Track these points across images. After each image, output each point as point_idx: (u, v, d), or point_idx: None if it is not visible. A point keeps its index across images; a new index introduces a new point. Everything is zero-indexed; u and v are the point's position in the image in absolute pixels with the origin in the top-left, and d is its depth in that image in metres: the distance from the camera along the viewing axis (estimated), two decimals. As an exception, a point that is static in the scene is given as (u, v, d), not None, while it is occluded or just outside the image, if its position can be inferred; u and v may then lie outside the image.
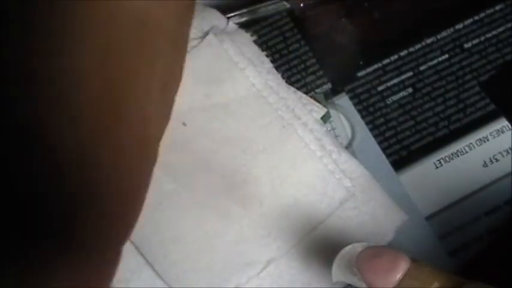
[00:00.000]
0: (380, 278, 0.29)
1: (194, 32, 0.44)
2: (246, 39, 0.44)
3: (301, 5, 0.47)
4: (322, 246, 0.38)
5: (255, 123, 0.41)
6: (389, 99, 0.44)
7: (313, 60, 0.45)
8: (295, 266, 0.38)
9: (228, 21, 0.45)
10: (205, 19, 0.45)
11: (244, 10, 0.46)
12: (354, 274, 0.31)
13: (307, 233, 0.39)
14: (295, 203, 0.39)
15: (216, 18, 0.45)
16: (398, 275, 0.29)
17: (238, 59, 0.43)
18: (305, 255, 0.38)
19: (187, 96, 0.42)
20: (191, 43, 0.43)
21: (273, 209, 0.39)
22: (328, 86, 0.45)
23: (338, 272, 0.32)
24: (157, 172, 0.40)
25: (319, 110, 0.42)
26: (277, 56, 0.45)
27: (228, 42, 0.43)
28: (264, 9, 0.47)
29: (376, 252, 0.30)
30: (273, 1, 0.47)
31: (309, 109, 0.42)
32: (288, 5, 0.47)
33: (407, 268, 0.29)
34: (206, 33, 0.44)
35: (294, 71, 0.45)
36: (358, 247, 0.31)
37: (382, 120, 0.43)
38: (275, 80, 0.43)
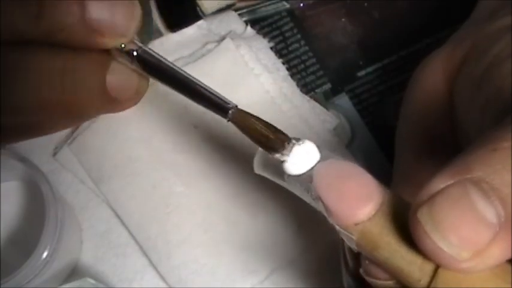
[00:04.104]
0: (346, 208, 0.23)
1: (211, 36, 0.44)
2: (263, 45, 0.44)
3: (301, 5, 0.47)
4: (327, 256, 0.38)
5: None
6: (389, 99, 0.44)
7: (313, 60, 0.45)
8: (299, 276, 0.39)
9: (246, 26, 0.45)
10: (223, 22, 0.45)
11: (244, 10, 0.46)
12: (277, 173, 0.26)
13: (312, 243, 0.39)
14: (302, 211, 0.39)
15: (235, 23, 0.45)
16: (369, 208, 0.23)
17: (254, 65, 0.43)
18: (309, 265, 0.39)
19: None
20: (207, 46, 0.43)
21: (280, 217, 0.40)
22: (328, 86, 0.45)
23: (260, 168, 0.27)
24: (167, 174, 0.41)
25: (332, 121, 0.42)
26: (277, 56, 0.45)
27: (244, 47, 0.43)
28: (264, 9, 0.47)
29: (343, 171, 0.24)
30: (273, 1, 0.47)
31: (322, 119, 0.42)
32: (288, 5, 0.47)
33: (381, 201, 0.23)
34: (223, 38, 0.44)
35: (294, 71, 0.45)
36: None
37: (382, 120, 0.43)
38: (290, 87, 0.43)
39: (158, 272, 0.40)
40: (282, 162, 0.25)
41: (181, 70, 0.27)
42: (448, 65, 0.33)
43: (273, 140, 0.25)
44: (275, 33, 0.46)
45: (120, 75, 0.27)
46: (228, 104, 0.26)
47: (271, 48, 0.45)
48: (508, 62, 0.28)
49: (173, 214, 0.40)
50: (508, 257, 0.22)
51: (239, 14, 0.46)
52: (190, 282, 0.39)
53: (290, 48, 0.46)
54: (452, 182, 0.21)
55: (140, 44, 0.26)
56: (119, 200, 0.41)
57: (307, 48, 0.46)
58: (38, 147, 0.43)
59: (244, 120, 0.26)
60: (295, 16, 0.46)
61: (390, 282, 0.24)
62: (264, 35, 0.46)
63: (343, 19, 0.46)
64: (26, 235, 0.41)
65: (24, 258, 0.36)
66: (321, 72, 0.45)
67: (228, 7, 0.46)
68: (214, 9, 0.46)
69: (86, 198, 0.42)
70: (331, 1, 0.46)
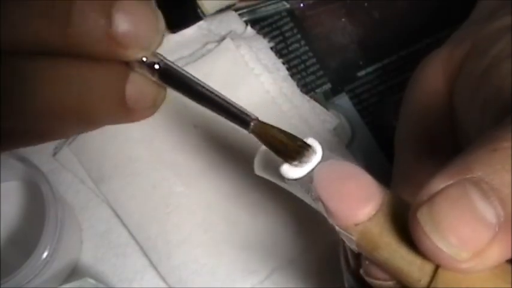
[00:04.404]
0: (345, 208, 0.23)
1: (211, 36, 0.44)
2: (263, 45, 0.44)
3: (301, 5, 0.47)
4: (327, 256, 0.38)
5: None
6: (389, 99, 0.44)
7: (313, 60, 0.45)
8: (299, 276, 0.39)
9: (246, 26, 0.45)
10: (224, 22, 0.45)
11: (245, 10, 0.46)
12: (277, 175, 0.25)
13: (312, 243, 0.39)
14: (302, 211, 0.39)
15: (235, 23, 0.45)
16: (369, 208, 0.23)
17: (254, 65, 0.43)
18: (309, 265, 0.39)
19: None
20: (207, 46, 0.43)
21: (280, 217, 0.40)
22: (328, 86, 0.45)
23: (260, 169, 0.27)
24: (167, 174, 0.41)
25: (332, 121, 0.42)
26: (277, 56, 0.45)
27: (244, 47, 0.43)
28: (264, 9, 0.47)
29: (343, 172, 0.24)
30: (273, 1, 0.47)
31: (322, 119, 0.42)
32: (288, 5, 0.47)
33: (381, 202, 0.23)
34: (223, 38, 0.44)
35: (294, 71, 0.45)
36: None
37: (382, 120, 0.43)
38: (290, 87, 0.43)
39: (158, 272, 0.40)
40: (282, 165, 0.25)
41: (202, 82, 0.27)
42: (447, 65, 0.33)
43: (294, 149, 0.25)
44: (275, 33, 0.46)
45: (138, 86, 0.27)
46: (250, 116, 0.27)
47: (272, 48, 0.45)
48: (507, 62, 0.28)
49: (173, 214, 0.40)
50: (507, 257, 0.22)
51: (239, 14, 0.46)
52: (190, 282, 0.39)
53: (290, 48, 0.46)
54: (452, 182, 0.21)
55: (162, 57, 0.26)
56: (119, 200, 0.41)
57: (307, 48, 0.46)
58: (38, 147, 0.42)
59: (265, 132, 0.26)
60: (295, 16, 0.46)
61: (390, 283, 0.24)
62: (264, 35, 0.46)
63: (343, 19, 0.46)
64: (26, 235, 0.41)
65: (24, 258, 0.36)
66: (321, 72, 0.45)
67: (228, 7, 0.46)
68: (214, 9, 0.46)
69: (86, 198, 0.42)
70: (331, 1, 0.46)
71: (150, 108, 0.28)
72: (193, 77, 0.27)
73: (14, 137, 0.27)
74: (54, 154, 0.43)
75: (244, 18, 0.46)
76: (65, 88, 0.25)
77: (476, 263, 0.21)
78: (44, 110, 0.25)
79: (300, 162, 0.25)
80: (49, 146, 0.43)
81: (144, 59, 0.26)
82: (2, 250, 0.40)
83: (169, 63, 0.26)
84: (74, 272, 0.40)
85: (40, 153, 0.42)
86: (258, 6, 0.47)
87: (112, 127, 0.42)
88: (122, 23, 0.24)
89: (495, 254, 0.21)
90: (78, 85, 0.25)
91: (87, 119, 0.26)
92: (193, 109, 0.42)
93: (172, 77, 0.27)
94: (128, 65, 0.26)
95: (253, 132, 0.26)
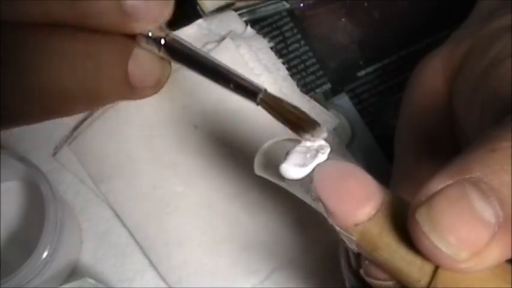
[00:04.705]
0: (345, 208, 0.23)
1: (211, 36, 0.44)
2: (263, 45, 0.44)
3: (301, 5, 0.47)
4: (327, 256, 0.38)
5: (267, 130, 0.41)
6: (389, 99, 0.44)
7: (313, 60, 0.45)
8: (299, 276, 0.39)
9: (246, 26, 0.45)
10: (223, 22, 0.45)
11: (244, 10, 0.46)
12: (277, 175, 0.25)
13: (312, 243, 0.39)
14: (302, 211, 0.39)
15: (234, 22, 0.45)
16: (369, 208, 0.23)
17: (254, 64, 0.43)
18: (310, 265, 0.39)
19: (201, 99, 0.42)
20: (207, 46, 0.43)
21: (280, 217, 0.40)
22: (328, 86, 0.45)
23: (260, 169, 0.27)
24: (167, 174, 0.41)
25: (332, 121, 0.42)
26: (277, 56, 0.45)
27: (244, 47, 0.43)
28: (264, 9, 0.47)
29: (343, 172, 0.24)
30: (273, 1, 0.47)
31: (322, 119, 0.42)
32: (288, 5, 0.47)
33: (381, 202, 0.23)
34: (223, 38, 0.44)
35: (294, 71, 0.45)
36: (284, 144, 0.26)
37: (382, 120, 0.43)
38: (290, 87, 0.43)
39: (158, 272, 0.40)
40: (282, 164, 0.25)
41: (209, 56, 0.27)
42: (447, 64, 0.33)
43: (305, 120, 0.25)
44: (275, 33, 0.46)
45: (142, 63, 0.27)
46: (258, 87, 0.26)
47: (271, 48, 0.45)
48: (507, 62, 0.28)
49: (173, 214, 0.40)
50: (507, 256, 0.22)
51: (239, 14, 0.46)
52: (191, 282, 0.39)
53: (290, 48, 0.46)
54: (450, 182, 0.21)
55: (168, 31, 0.26)
56: (119, 200, 0.41)
57: (307, 48, 0.46)
58: (38, 147, 0.43)
59: (274, 103, 0.26)
60: (295, 16, 0.46)
61: (390, 283, 0.24)
62: (264, 35, 0.46)
63: (343, 19, 0.46)
64: (26, 235, 0.41)
65: (24, 258, 0.36)
66: (321, 72, 0.45)
67: (227, 6, 0.46)
68: (214, 7, 0.46)
69: (86, 198, 0.42)
70: (331, 1, 0.46)
71: (155, 86, 0.28)
72: (200, 50, 0.26)
73: (16, 113, 0.27)
74: (54, 154, 0.43)
75: (244, 18, 0.46)
76: (70, 63, 0.25)
77: (476, 263, 0.21)
78: (48, 83, 0.25)
79: (312, 135, 0.25)
80: (49, 146, 0.43)
81: (150, 33, 0.26)
82: (2, 250, 0.40)
83: (176, 37, 0.26)
84: (74, 272, 0.40)
85: (40, 153, 0.42)
86: (258, 6, 0.47)
87: (112, 127, 0.42)
88: None
89: (494, 254, 0.21)
90: (83, 60, 0.25)
91: (90, 94, 0.26)
92: (194, 109, 0.42)
93: (178, 51, 0.26)
94: (132, 40, 0.26)
95: (261, 103, 0.26)
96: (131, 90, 0.27)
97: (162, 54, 0.26)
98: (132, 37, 0.26)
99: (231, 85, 0.27)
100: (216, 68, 0.27)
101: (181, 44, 0.26)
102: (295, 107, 0.26)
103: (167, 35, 0.26)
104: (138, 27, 0.25)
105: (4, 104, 0.26)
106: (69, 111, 0.28)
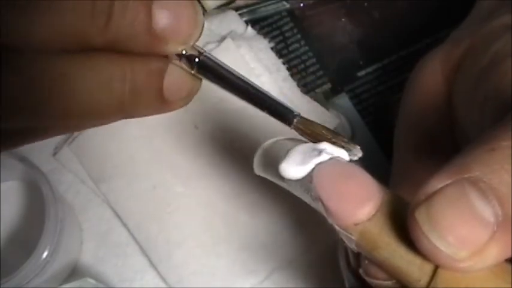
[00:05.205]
0: (345, 208, 0.23)
1: (212, 36, 0.44)
2: (264, 45, 0.45)
3: (301, 5, 0.47)
4: (327, 256, 0.38)
5: (268, 130, 0.41)
6: (389, 99, 0.44)
7: (313, 60, 0.45)
8: (299, 276, 0.39)
9: (246, 27, 0.45)
10: (224, 22, 0.45)
11: (245, 10, 0.47)
12: (277, 175, 0.25)
13: (312, 243, 0.39)
14: (302, 211, 0.39)
15: (235, 23, 0.45)
16: (369, 208, 0.22)
17: (255, 65, 0.43)
18: (309, 265, 0.39)
19: (201, 99, 0.42)
20: (208, 46, 0.43)
21: (280, 217, 0.40)
22: (328, 86, 0.45)
23: (260, 169, 0.27)
24: (167, 174, 0.41)
25: (332, 121, 0.42)
26: (277, 56, 0.45)
27: (245, 47, 0.43)
28: (264, 9, 0.47)
29: (343, 171, 0.24)
30: (273, 1, 0.47)
31: (322, 119, 0.42)
32: (288, 5, 0.47)
33: (381, 201, 0.23)
34: (223, 38, 0.44)
35: (294, 71, 0.45)
36: (284, 144, 0.26)
37: (382, 120, 0.43)
38: (290, 88, 0.43)
39: (158, 272, 0.40)
40: (281, 164, 0.25)
41: (242, 76, 0.27)
42: (446, 64, 0.33)
43: (339, 143, 0.26)
44: (275, 33, 0.46)
45: (176, 78, 0.27)
46: (292, 112, 0.26)
47: (272, 48, 0.45)
48: (506, 61, 0.28)
49: (173, 214, 0.40)
50: (506, 256, 0.22)
51: (239, 14, 0.46)
52: (190, 282, 0.39)
53: (290, 48, 0.46)
54: (450, 181, 0.21)
55: (201, 49, 0.26)
56: (119, 200, 0.41)
57: (307, 48, 0.46)
58: (38, 147, 0.43)
59: (310, 128, 0.26)
60: (295, 16, 0.46)
61: (390, 282, 0.24)
62: (264, 35, 0.46)
63: (343, 19, 0.46)
64: (26, 235, 0.41)
65: (24, 258, 0.36)
66: (321, 72, 0.45)
67: (228, 3, 0.46)
68: (215, 5, 0.46)
69: (86, 198, 0.42)
70: (331, 1, 0.46)
71: (185, 99, 0.28)
72: (234, 70, 0.27)
73: (50, 131, 0.27)
74: (55, 154, 0.43)
75: (245, 18, 0.46)
76: (107, 88, 0.25)
77: (475, 262, 0.21)
78: (84, 108, 0.25)
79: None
80: (49, 146, 0.43)
81: (184, 51, 0.26)
82: (2, 250, 0.40)
83: (209, 56, 0.26)
84: (74, 272, 0.40)
85: (40, 153, 0.42)
86: (258, 6, 0.47)
87: (112, 127, 0.42)
88: (162, 18, 0.24)
89: (494, 253, 0.21)
90: (120, 84, 0.25)
91: (125, 112, 0.26)
92: (194, 109, 0.42)
93: (211, 70, 0.26)
94: (166, 58, 0.26)
95: (296, 128, 0.26)
96: (163, 105, 0.27)
97: (195, 72, 0.26)
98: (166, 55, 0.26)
99: (265, 109, 0.27)
100: (250, 90, 0.27)
101: (215, 63, 0.26)
102: (328, 130, 0.26)
103: (201, 53, 0.26)
104: (168, 49, 0.25)
105: (42, 124, 0.26)
106: (100, 125, 0.29)
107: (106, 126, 0.41)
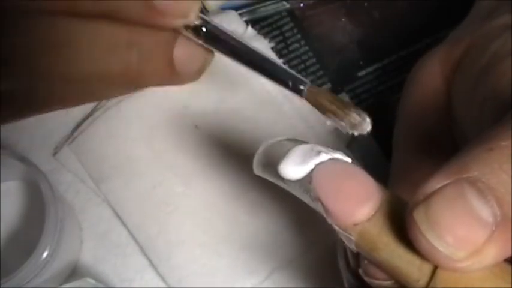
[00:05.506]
0: (344, 208, 0.23)
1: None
2: (264, 45, 0.45)
3: (301, 5, 0.47)
4: (327, 256, 0.38)
5: (268, 130, 0.41)
6: (389, 99, 0.44)
7: (313, 60, 0.45)
8: (299, 276, 0.39)
9: (247, 27, 0.45)
10: (224, 22, 0.45)
11: (244, 10, 0.46)
12: (276, 175, 0.25)
13: (312, 243, 0.39)
14: (302, 211, 0.39)
15: (235, 23, 0.45)
16: (368, 208, 0.22)
17: (255, 65, 0.43)
18: (309, 265, 0.39)
19: (202, 99, 0.42)
20: None
21: (280, 217, 0.40)
22: (328, 86, 0.45)
23: (259, 169, 0.27)
24: (167, 174, 0.41)
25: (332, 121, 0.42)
26: (277, 56, 0.45)
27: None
28: (264, 9, 0.47)
29: (342, 172, 0.24)
30: (273, 1, 0.47)
31: (322, 119, 0.42)
32: (288, 5, 0.47)
33: (380, 202, 0.23)
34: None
35: (294, 71, 0.45)
36: (283, 144, 0.26)
37: (382, 120, 0.43)
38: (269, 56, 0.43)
39: (158, 272, 0.40)
40: (281, 165, 0.25)
41: (251, 45, 0.26)
42: (445, 64, 0.33)
43: (348, 114, 0.25)
44: (275, 33, 0.46)
45: (187, 49, 0.27)
46: (302, 81, 0.26)
47: (272, 48, 0.45)
48: (505, 61, 0.28)
49: (173, 214, 0.40)
50: (505, 256, 0.22)
51: (239, 14, 0.46)
52: (191, 282, 0.39)
53: (290, 48, 0.46)
54: (448, 181, 0.21)
55: (207, 19, 0.26)
56: (119, 200, 0.41)
57: (307, 48, 0.46)
58: (38, 147, 0.43)
59: (320, 98, 0.26)
60: (295, 16, 0.46)
61: (389, 283, 0.24)
62: (264, 35, 0.46)
63: (343, 19, 0.46)
64: (26, 235, 0.41)
65: (24, 258, 0.36)
66: (321, 72, 0.45)
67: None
68: (216, 6, 0.46)
69: (86, 198, 0.42)
70: (331, 1, 0.46)
71: (197, 72, 0.28)
72: (242, 39, 0.26)
73: (59, 96, 0.27)
74: (54, 154, 0.43)
75: (244, 18, 0.46)
76: (113, 51, 0.25)
77: (473, 262, 0.21)
78: (90, 72, 0.25)
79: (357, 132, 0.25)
80: (49, 146, 0.43)
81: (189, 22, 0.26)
82: (2, 250, 0.40)
83: (216, 25, 0.26)
84: (74, 272, 0.40)
85: (40, 152, 0.42)
86: (258, 6, 0.47)
87: (112, 127, 0.42)
88: None
89: (492, 253, 0.21)
90: (126, 48, 0.25)
91: (133, 79, 0.26)
92: (194, 109, 0.42)
93: (219, 40, 0.26)
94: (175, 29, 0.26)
95: (307, 97, 0.26)
96: (174, 76, 0.27)
97: (202, 42, 0.26)
98: None
99: (274, 78, 0.27)
100: (259, 59, 0.26)
101: (222, 32, 0.26)
102: (338, 99, 0.26)
103: (208, 23, 0.26)
104: (168, 22, 0.25)
105: (51, 87, 0.26)
106: (109, 95, 0.28)
107: (105, 126, 0.42)
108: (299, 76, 0.26)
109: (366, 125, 0.25)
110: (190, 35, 0.26)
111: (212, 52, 0.27)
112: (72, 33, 0.24)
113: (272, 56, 0.44)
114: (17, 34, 0.24)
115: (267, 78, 0.27)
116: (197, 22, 0.26)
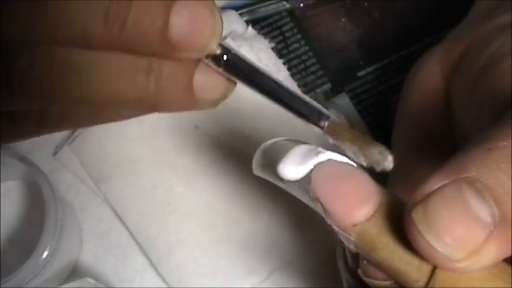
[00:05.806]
0: (343, 209, 0.23)
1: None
2: (264, 45, 0.45)
3: (301, 5, 0.47)
4: (327, 257, 0.38)
5: (268, 130, 0.41)
6: (389, 99, 0.44)
7: (313, 60, 0.45)
8: (299, 276, 0.39)
9: (247, 27, 0.45)
10: (224, 22, 0.45)
11: (244, 10, 0.47)
12: (275, 175, 0.25)
13: (312, 243, 0.39)
14: (302, 212, 0.39)
15: (235, 22, 0.45)
16: (367, 208, 0.22)
17: (255, 65, 0.43)
18: (309, 266, 0.39)
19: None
20: None
21: (280, 218, 0.40)
22: (328, 86, 0.45)
23: (259, 169, 0.27)
24: (167, 174, 0.41)
25: None
26: (277, 56, 0.45)
27: (245, 47, 0.43)
28: (264, 9, 0.47)
29: (341, 172, 0.24)
30: (273, 1, 0.47)
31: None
32: (288, 5, 0.47)
33: (379, 202, 0.23)
34: (224, 38, 0.44)
35: (294, 71, 0.45)
36: (283, 144, 0.26)
37: (382, 120, 0.43)
38: (290, 88, 0.43)
39: (158, 272, 0.40)
40: (280, 165, 0.25)
41: (273, 77, 0.26)
42: (445, 64, 0.33)
43: (369, 153, 0.25)
44: (275, 33, 0.46)
45: (208, 76, 0.26)
46: (323, 113, 0.26)
47: (272, 48, 0.45)
48: (504, 61, 0.28)
49: (173, 214, 0.40)
50: (504, 256, 0.22)
51: (239, 14, 0.46)
52: (190, 282, 0.39)
53: (290, 48, 0.46)
54: (447, 181, 0.21)
55: (229, 47, 0.25)
56: (119, 200, 0.41)
57: (307, 48, 0.46)
58: (38, 147, 0.43)
59: (341, 133, 0.26)
60: (295, 16, 0.46)
61: (388, 283, 0.24)
62: (264, 35, 0.46)
63: (343, 19, 0.46)
64: (26, 235, 0.41)
65: (24, 258, 0.36)
66: (321, 72, 0.45)
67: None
68: (220, 5, 0.46)
69: (86, 198, 0.42)
70: (331, 1, 0.46)
71: (217, 100, 0.27)
72: (264, 70, 0.26)
73: (72, 118, 0.27)
74: (55, 154, 0.43)
75: (244, 18, 0.46)
76: (131, 78, 0.25)
77: (472, 262, 0.21)
78: (109, 96, 0.25)
79: (378, 169, 0.24)
80: (49, 146, 0.43)
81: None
82: (2, 250, 0.41)
83: (238, 54, 0.25)
84: (74, 272, 0.40)
85: (40, 152, 0.42)
86: (258, 6, 0.47)
87: (112, 127, 0.42)
88: (178, 27, 0.23)
89: (491, 253, 0.21)
90: (145, 75, 0.25)
91: (150, 107, 0.26)
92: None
93: (240, 70, 0.26)
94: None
95: (328, 132, 0.26)
96: (194, 103, 0.27)
97: (222, 71, 0.26)
98: None
99: (296, 111, 0.26)
100: (282, 93, 0.26)
101: (243, 62, 0.26)
102: (360, 136, 0.26)
103: (229, 51, 0.25)
104: (183, 56, 0.25)
105: (64, 111, 0.26)
106: (124, 117, 0.28)
107: (106, 126, 0.42)
108: (322, 110, 0.26)
109: (388, 164, 0.24)
110: (210, 62, 0.25)
111: (234, 82, 0.27)
112: (88, 59, 0.24)
113: (272, 57, 0.44)
114: (33, 62, 0.24)
115: (287, 110, 0.26)
116: (218, 51, 0.25)
